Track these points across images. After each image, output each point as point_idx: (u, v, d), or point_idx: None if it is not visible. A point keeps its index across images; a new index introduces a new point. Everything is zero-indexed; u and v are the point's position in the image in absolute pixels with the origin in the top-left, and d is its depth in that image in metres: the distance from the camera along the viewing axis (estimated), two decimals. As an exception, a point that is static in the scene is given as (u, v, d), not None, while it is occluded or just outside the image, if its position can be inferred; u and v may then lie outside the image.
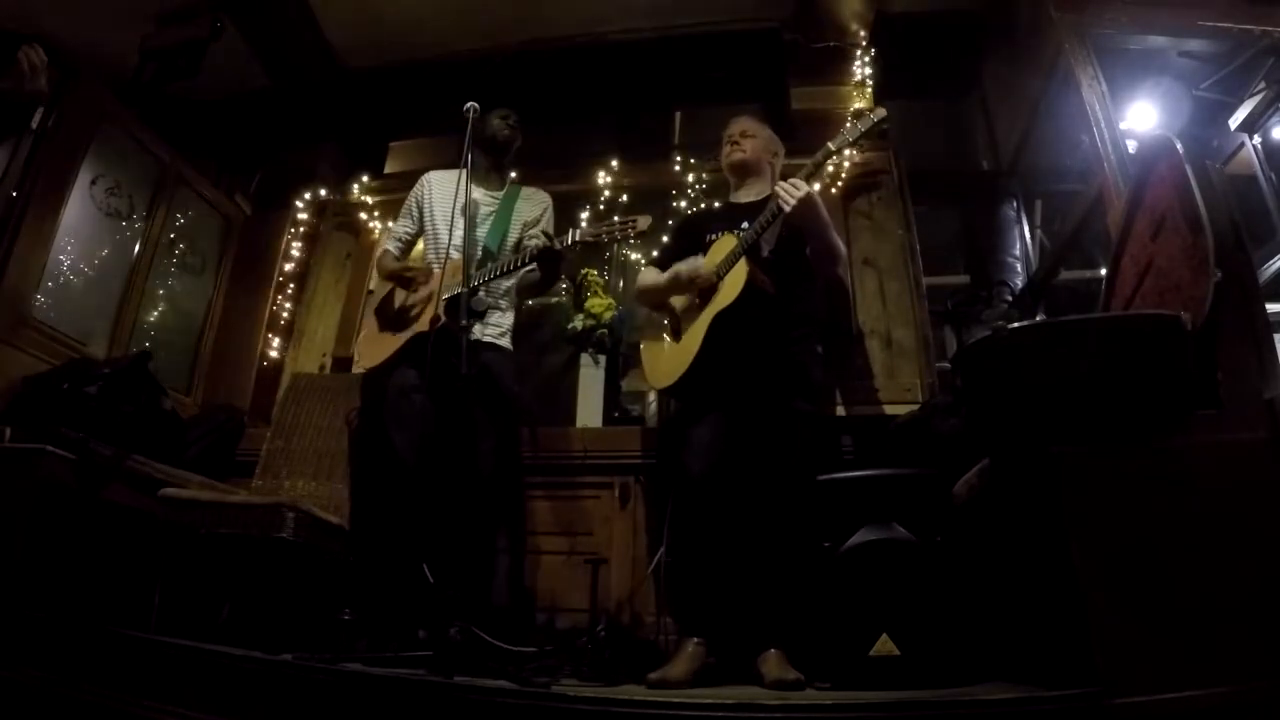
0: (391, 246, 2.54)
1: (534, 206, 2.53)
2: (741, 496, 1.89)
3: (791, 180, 2.04)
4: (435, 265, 2.41)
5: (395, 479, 2.13)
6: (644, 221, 2.16)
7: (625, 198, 3.41)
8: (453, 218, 2.17)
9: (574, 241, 2.20)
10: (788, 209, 2.01)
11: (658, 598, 2.31)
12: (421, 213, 2.54)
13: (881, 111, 2.03)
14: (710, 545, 1.90)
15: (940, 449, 1.98)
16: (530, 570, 2.56)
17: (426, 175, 2.59)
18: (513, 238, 2.45)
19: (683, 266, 2.22)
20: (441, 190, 2.51)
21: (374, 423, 2.26)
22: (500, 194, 2.52)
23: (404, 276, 2.40)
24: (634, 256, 3.43)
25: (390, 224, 3.02)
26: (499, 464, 2.25)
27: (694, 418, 2.07)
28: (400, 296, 2.43)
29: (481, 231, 2.40)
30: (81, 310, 2.97)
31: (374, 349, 2.42)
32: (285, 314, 3.56)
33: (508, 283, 2.43)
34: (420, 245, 2.58)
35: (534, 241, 2.36)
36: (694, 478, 1.96)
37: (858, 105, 3.24)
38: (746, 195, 2.33)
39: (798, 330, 2.13)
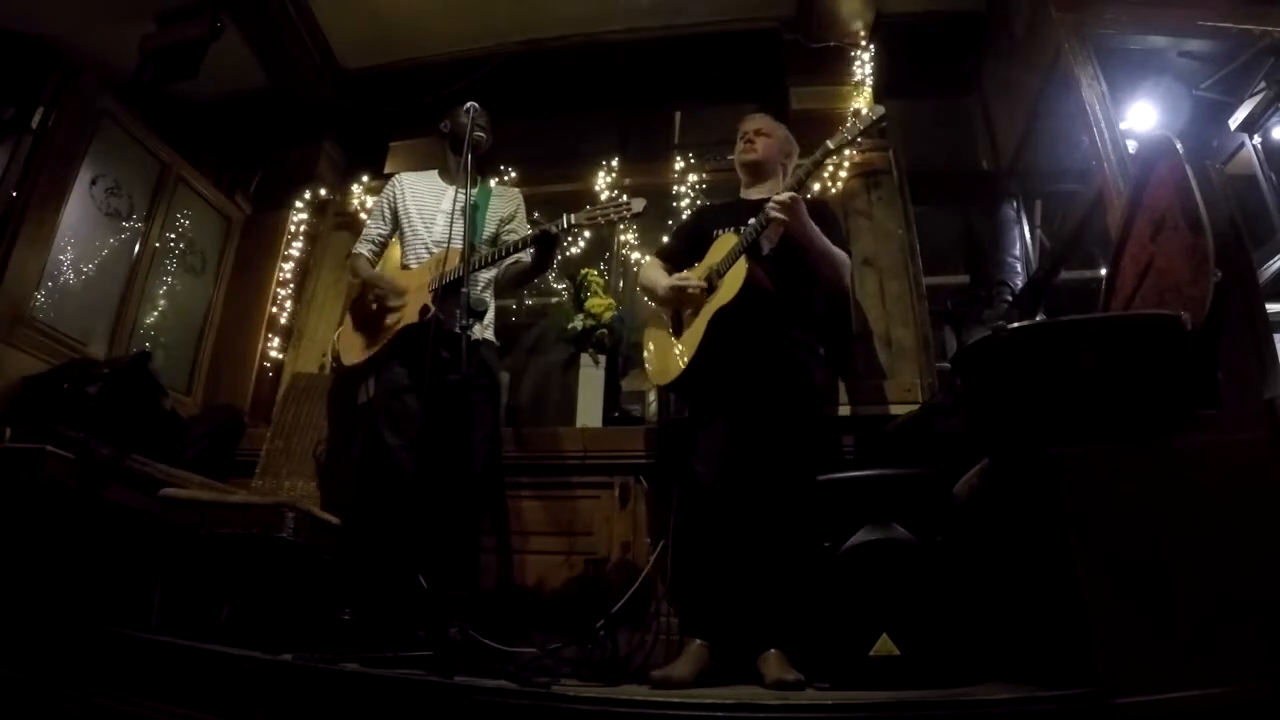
0: (365, 250, 2.55)
1: (507, 203, 2.59)
2: (744, 500, 1.89)
3: (779, 194, 2.06)
4: (415, 262, 2.44)
5: (388, 482, 2.13)
6: (638, 203, 2.18)
7: (625, 198, 3.40)
8: (453, 215, 2.22)
9: (569, 225, 2.22)
10: (765, 221, 2.03)
11: (656, 596, 2.31)
12: (396, 214, 2.55)
13: (880, 109, 2.04)
14: (716, 549, 1.90)
15: (940, 449, 1.98)
16: (531, 570, 2.56)
17: (398, 177, 2.62)
18: (489, 231, 2.50)
19: (680, 280, 2.23)
20: (416, 190, 2.55)
21: (359, 422, 2.26)
22: (475, 191, 2.54)
23: (380, 289, 2.40)
24: (634, 256, 3.43)
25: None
26: (490, 454, 2.30)
27: (700, 422, 2.07)
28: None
29: (459, 227, 2.42)
30: (81, 310, 2.96)
31: (356, 345, 2.43)
32: (285, 314, 3.56)
33: (488, 274, 2.45)
34: (396, 247, 2.58)
35: (511, 237, 2.44)
36: (704, 487, 1.97)
37: (857, 105, 3.24)
38: (757, 193, 2.33)
39: (798, 330, 2.13)
